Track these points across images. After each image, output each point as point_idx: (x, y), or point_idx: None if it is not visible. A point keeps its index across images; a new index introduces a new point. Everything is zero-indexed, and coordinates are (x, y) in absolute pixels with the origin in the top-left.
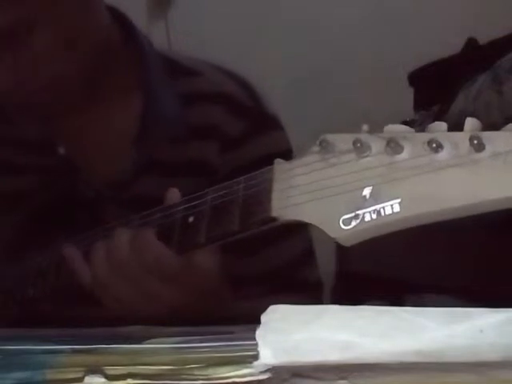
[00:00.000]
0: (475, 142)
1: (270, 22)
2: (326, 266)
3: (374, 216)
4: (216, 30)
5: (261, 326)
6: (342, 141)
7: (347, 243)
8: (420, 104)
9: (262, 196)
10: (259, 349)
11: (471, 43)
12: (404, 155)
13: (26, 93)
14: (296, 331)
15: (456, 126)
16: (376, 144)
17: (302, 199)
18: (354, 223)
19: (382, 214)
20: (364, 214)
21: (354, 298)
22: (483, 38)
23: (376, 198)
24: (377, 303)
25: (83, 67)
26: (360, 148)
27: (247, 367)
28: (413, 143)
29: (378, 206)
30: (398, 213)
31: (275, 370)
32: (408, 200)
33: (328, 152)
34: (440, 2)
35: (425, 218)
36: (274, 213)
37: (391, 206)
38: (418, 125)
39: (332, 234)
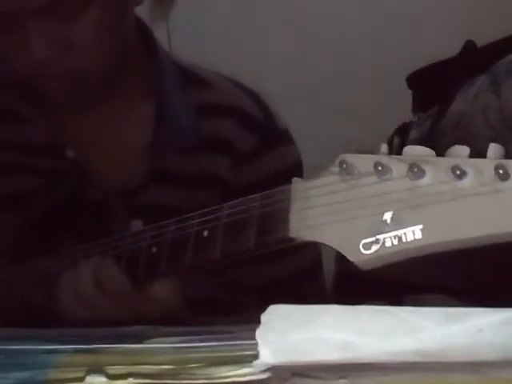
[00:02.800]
0: (500, 171)
1: (271, 23)
2: (326, 266)
3: (396, 242)
4: (217, 33)
5: (261, 325)
6: (363, 162)
7: (366, 267)
8: (418, 106)
9: (279, 215)
10: (259, 348)
11: (469, 45)
12: (426, 180)
13: (52, 74)
14: (296, 331)
15: (454, 127)
16: (397, 167)
17: (321, 221)
18: (374, 248)
19: (404, 240)
20: (385, 239)
21: (354, 298)
22: (481, 41)
23: (397, 223)
24: (376, 303)
25: (111, 62)
26: (381, 171)
27: (247, 367)
28: (435, 168)
29: (399, 232)
30: (419, 240)
31: (275, 370)
32: (430, 227)
33: (348, 173)
34: (438, 5)
35: (447, 246)
36: (293, 233)
37: (413, 232)
38: (417, 127)
39: (352, 258)
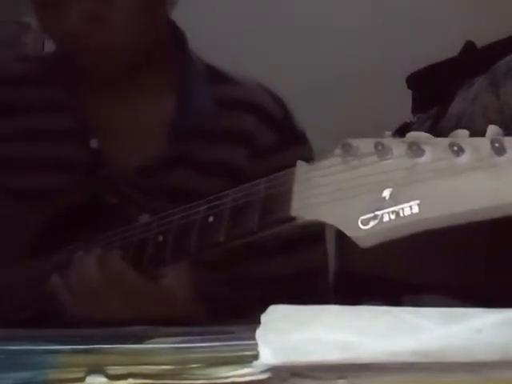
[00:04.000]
0: (496, 145)
1: (271, 23)
2: None
3: (393, 217)
4: (217, 33)
5: (261, 325)
6: (365, 144)
7: (365, 243)
8: (418, 106)
9: (282, 196)
10: (259, 349)
11: (469, 46)
12: (425, 158)
13: (88, 47)
14: (296, 331)
15: (454, 127)
16: (397, 147)
17: (322, 199)
18: (372, 223)
19: (401, 214)
20: (383, 214)
21: (354, 298)
22: (481, 41)
23: (395, 199)
24: (376, 303)
25: (143, 46)
26: (382, 151)
27: (247, 367)
28: (434, 147)
29: (397, 207)
30: (416, 214)
31: (275, 370)
32: (427, 202)
33: (350, 155)
34: (438, 5)
35: (443, 220)
36: (293, 212)
37: (410, 207)
38: (417, 127)
39: (349, 234)
